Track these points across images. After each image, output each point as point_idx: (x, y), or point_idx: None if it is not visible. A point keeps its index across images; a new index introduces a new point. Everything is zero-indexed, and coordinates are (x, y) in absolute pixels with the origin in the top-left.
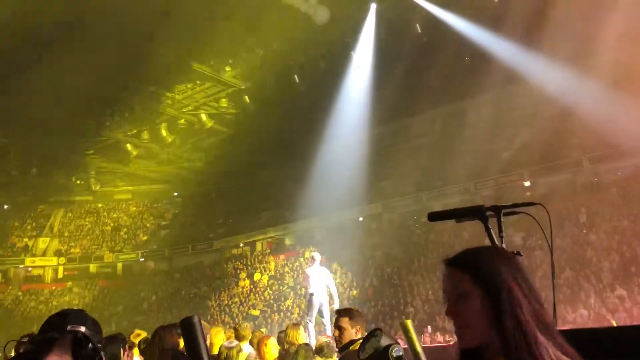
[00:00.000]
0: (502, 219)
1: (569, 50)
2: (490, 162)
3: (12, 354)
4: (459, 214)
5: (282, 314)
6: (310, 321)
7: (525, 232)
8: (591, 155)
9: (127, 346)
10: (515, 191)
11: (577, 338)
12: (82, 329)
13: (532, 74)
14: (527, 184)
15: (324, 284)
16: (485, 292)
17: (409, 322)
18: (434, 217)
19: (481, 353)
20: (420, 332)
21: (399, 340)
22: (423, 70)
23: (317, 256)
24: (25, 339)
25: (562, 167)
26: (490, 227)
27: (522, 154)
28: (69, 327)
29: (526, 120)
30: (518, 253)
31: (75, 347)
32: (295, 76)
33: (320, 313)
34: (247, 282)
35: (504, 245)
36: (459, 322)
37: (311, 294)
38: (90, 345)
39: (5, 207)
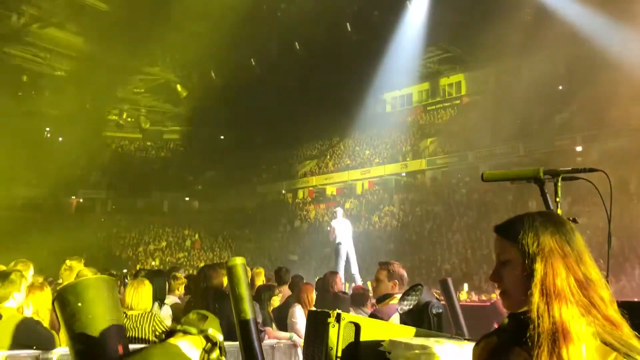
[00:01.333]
0: (559, 184)
1: (632, 12)
2: (542, 124)
3: None
4: (515, 176)
5: (319, 261)
6: (338, 270)
7: (571, 197)
8: None
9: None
10: (565, 156)
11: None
12: (220, 337)
13: (595, 35)
14: (579, 149)
15: (349, 236)
16: (524, 260)
17: (449, 280)
18: (489, 178)
19: (523, 318)
20: (456, 289)
21: (438, 298)
22: (479, 23)
23: (340, 210)
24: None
25: (617, 134)
26: (546, 191)
27: (576, 118)
28: (210, 330)
29: (584, 83)
30: (574, 220)
31: (206, 350)
32: (348, 24)
33: (347, 262)
34: (287, 227)
35: (559, 211)
36: (500, 287)
37: (338, 243)
38: (218, 351)
39: (60, 139)
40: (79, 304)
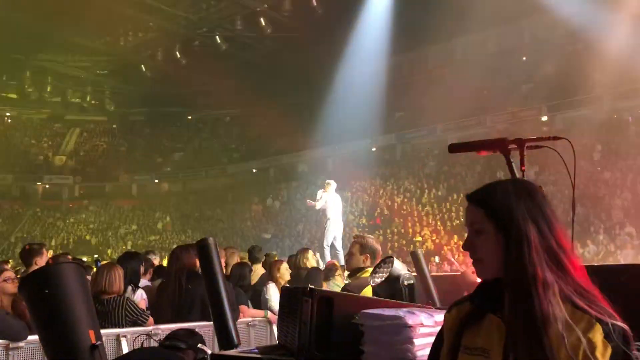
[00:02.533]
0: (524, 153)
1: None
2: (508, 95)
3: None
4: (481, 146)
5: (292, 238)
6: (326, 246)
7: (538, 166)
8: (612, 91)
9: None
10: (531, 126)
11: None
12: (209, 351)
13: (557, 5)
14: (544, 118)
15: (339, 211)
16: (498, 227)
17: (419, 252)
18: (455, 148)
19: (496, 286)
20: (428, 261)
21: (409, 269)
22: None
23: (333, 183)
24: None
25: (581, 103)
26: (512, 160)
27: (541, 88)
28: (199, 345)
29: (548, 53)
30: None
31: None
32: (314, 0)
33: (334, 241)
34: (260, 206)
35: (525, 179)
36: (474, 256)
37: (328, 219)
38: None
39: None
40: (46, 291)
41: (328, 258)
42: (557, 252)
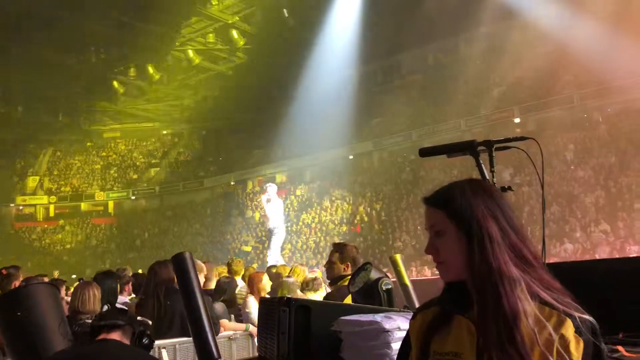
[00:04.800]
0: (493, 154)
1: None
2: (481, 99)
3: None
4: (450, 149)
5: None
6: (270, 257)
7: (513, 168)
8: (582, 92)
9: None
10: (505, 128)
11: (562, 271)
12: (149, 322)
13: (526, 9)
14: (517, 120)
15: (282, 218)
16: (459, 227)
17: (398, 256)
18: (426, 152)
19: (462, 288)
20: (408, 266)
21: (388, 274)
22: (415, 4)
23: (273, 187)
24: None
25: (553, 104)
26: (481, 162)
27: (513, 91)
28: (138, 318)
29: (519, 56)
30: (509, 188)
31: (136, 336)
32: (285, 10)
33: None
34: (239, 219)
35: (494, 180)
36: (437, 258)
37: (275, 227)
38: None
39: None
40: (18, 313)
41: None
42: (520, 247)
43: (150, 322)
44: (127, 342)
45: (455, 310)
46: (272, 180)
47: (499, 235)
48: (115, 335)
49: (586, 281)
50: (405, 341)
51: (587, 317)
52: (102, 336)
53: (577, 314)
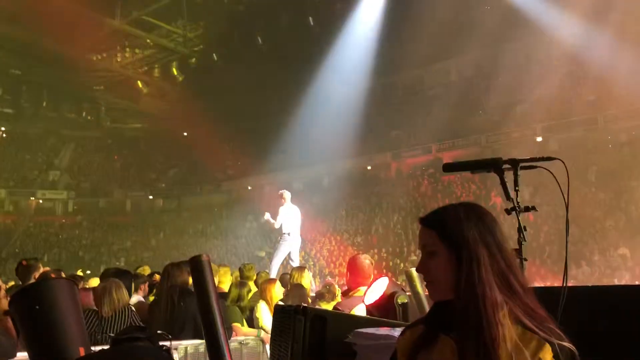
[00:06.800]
0: (518, 173)
1: (589, 5)
2: (503, 115)
3: None
4: (474, 166)
5: (287, 256)
6: (274, 264)
7: (533, 187)
8: (607, 113)
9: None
10: (526, 146)
11: (579, 294)
12: (168, 344)
13: (553, 27)
14: (539, 139)
15: (298, 225)
16: (450, 249)
17: (414, 271)
18: (449, 168)
19: (449, 308)
20: (422, 280)
21: (404, 289)
22: (441, 17)
23: (288, 193)
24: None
25: (576, 124)
26: (506, 180)
27: (536, 109)
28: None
29: (543, 74)
30: (533, 208)
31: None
32: (310, 18)
33: (289, 255)
34: (254, 224)
35: (518, 199)
36: (427, 277)
37: (287, 234)
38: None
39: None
40: (37, 307)
41: (275, 273)
42: (507, 274)
43: (169, 345)
44: None
45: (440, 329)
46: (289, 187)
47: (487, 261)
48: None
49: (602, 306)
50: (393, 357)
51: (566, 344)
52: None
53: (556, 341)
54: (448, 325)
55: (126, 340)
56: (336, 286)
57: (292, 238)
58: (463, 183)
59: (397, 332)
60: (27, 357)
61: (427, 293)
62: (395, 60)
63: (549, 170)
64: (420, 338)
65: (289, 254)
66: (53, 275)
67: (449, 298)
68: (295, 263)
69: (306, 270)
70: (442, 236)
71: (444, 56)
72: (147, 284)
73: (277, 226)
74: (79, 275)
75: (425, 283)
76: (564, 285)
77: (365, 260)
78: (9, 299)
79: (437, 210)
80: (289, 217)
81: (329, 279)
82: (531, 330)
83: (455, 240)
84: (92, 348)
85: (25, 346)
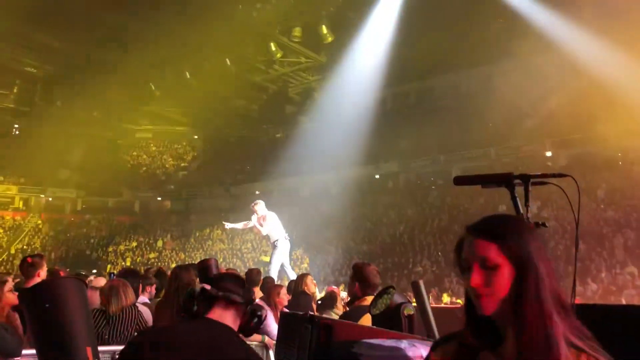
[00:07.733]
0: (529, 189)
1: (601, 21)
2: (513, 129)
3: None
4: (486, 180)
5: (292, 262)
6: (276, 272)
7: (541, 201)
8: (618, 130)
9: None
10: (535, 161)
11: (585, 313)
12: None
13: (564, 43)
14: (548, 154)
15: (282, 229)
16: (513, 265)
17: (420, 282)
18: (461, 181)
19: (489, 324)
20: (427, 292)
21: (410, 300)
22: (452, 30)
23: (261, 203)
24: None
25: (586, 140)
26: (516, 195)
27: (546, 124)
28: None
29: (553, 90)
30: (543, 224)
31: (251, 317)
32: (324, 27)
33: (283, 264)
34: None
35: (529, 215)
36: (484, 291)
37: (277, 240)
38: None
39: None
40: (46, 305)
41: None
42: (559, 291)
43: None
44: (236, 320)
45: (483, 346)
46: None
47: (547, 280)
48: (228, 315)
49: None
50: None
51: None
52: (212, 312)
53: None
54: (489, 342)
55: (222, 299)
56: (340, 292)
57: (281, 243)
58: (472, 195)
59: (403, 343)
60: (34, 353)
61: (456, 305)
62: (406, 70)
63: (559, 187)
64: (457, 354)
65: (282, 264)
66: (62, 274)
67: (501, 313)
68: (288, 269)
69: (309, 276)
70: (504, 249)
71: (455, 68)
72: (154, 286)
73: (264, 232)
74: (82, 274)
75: (476, 296)
76: (572, 302)
77: (372, 269)
78: (15, 294)
79: (493, 221)
80: (274, 224)
81: (333, 287)
82: (583, 351)
83: (520, 255)
84: (99, 347)
85: (33, 343)
